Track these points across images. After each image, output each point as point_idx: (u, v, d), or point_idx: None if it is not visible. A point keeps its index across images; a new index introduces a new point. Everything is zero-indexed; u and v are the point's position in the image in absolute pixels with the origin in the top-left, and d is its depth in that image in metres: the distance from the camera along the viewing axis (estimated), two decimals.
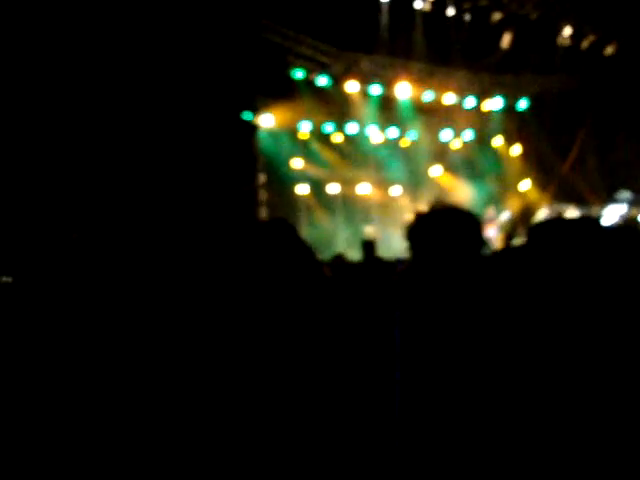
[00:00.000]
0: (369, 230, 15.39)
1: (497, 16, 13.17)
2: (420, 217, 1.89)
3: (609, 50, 14.00)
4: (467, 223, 1.86)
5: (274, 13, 12.36)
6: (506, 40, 13.57)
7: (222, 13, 11.20)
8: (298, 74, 13.57)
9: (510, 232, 14.94)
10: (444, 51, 13.87)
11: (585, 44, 13.79)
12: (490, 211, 14.70)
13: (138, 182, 9.79)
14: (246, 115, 12.93)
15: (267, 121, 13.97)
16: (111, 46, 9.67)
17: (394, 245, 14.19)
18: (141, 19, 9.74)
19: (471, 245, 1.81)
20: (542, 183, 16.19)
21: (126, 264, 2.61)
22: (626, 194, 15.35)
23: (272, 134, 14.20)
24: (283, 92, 13.96)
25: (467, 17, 13.09)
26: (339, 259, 5.21)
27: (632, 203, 15.22)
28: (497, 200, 15.44)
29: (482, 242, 1.85)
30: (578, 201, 15.06)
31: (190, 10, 10.56)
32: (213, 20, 11.09)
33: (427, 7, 12.84)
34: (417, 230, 1.86)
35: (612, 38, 13.88)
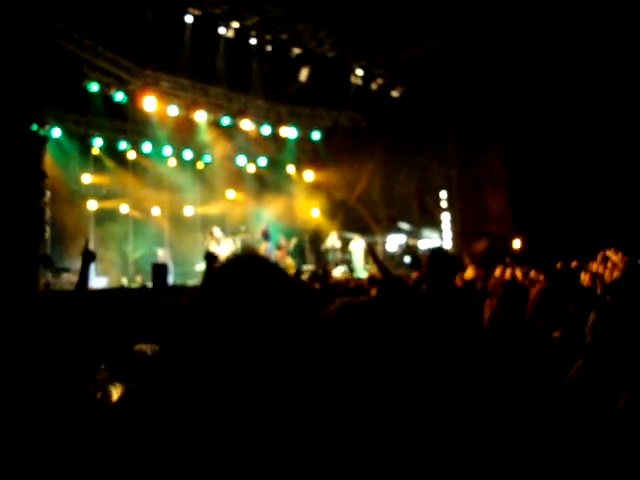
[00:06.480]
0: (160, 253, 14.95)
1: (296, 51, 13.70)
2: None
3: (395, 93, 15.23)
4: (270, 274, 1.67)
5: (71, 19, 11.58)
6: (303, 74, 14.14)
7: (10, 12, 10.22)
8: (93, 87, 12.87)
9: (299, 259, 15.47)
10: (244, 79, 14.07)
11: (374, 86, 14.86)
12: (282, 238, 15.07)
13: None
14: (33, 127, 11.87)
15: (57, 134, 13.05)
16: None
17: (186, 268, 13.98)
18: None
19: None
20: (331, 211, 17.03)
21: None
22: (405, 225, 16.82)
23: (62, 148, 13.29)
24: (76, 104, 13.13)
25: (268, 48, 13.42)
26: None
27: (410, 234, 16.71)
28: (288, 226, 15.88)
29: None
30: (363, 230, 16.08)
31: None
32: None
33: (231, 34, 12.95)
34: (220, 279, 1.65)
35: (398, 82, 15.12)
